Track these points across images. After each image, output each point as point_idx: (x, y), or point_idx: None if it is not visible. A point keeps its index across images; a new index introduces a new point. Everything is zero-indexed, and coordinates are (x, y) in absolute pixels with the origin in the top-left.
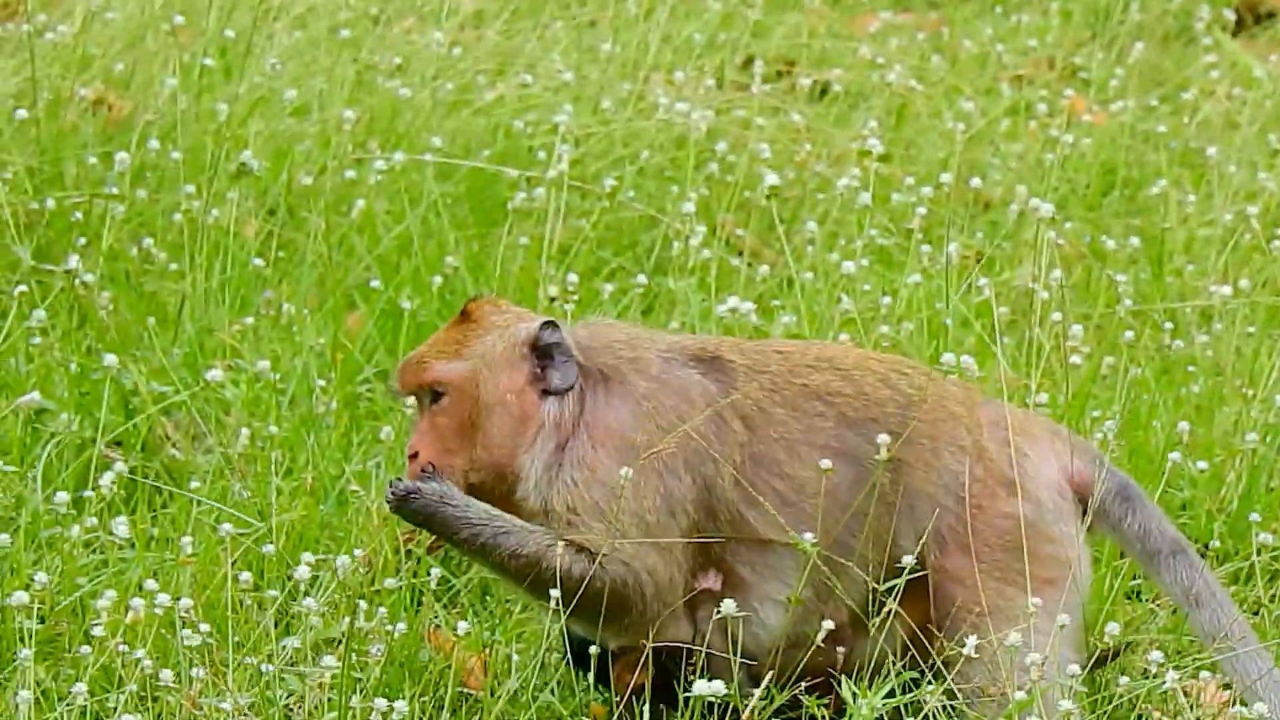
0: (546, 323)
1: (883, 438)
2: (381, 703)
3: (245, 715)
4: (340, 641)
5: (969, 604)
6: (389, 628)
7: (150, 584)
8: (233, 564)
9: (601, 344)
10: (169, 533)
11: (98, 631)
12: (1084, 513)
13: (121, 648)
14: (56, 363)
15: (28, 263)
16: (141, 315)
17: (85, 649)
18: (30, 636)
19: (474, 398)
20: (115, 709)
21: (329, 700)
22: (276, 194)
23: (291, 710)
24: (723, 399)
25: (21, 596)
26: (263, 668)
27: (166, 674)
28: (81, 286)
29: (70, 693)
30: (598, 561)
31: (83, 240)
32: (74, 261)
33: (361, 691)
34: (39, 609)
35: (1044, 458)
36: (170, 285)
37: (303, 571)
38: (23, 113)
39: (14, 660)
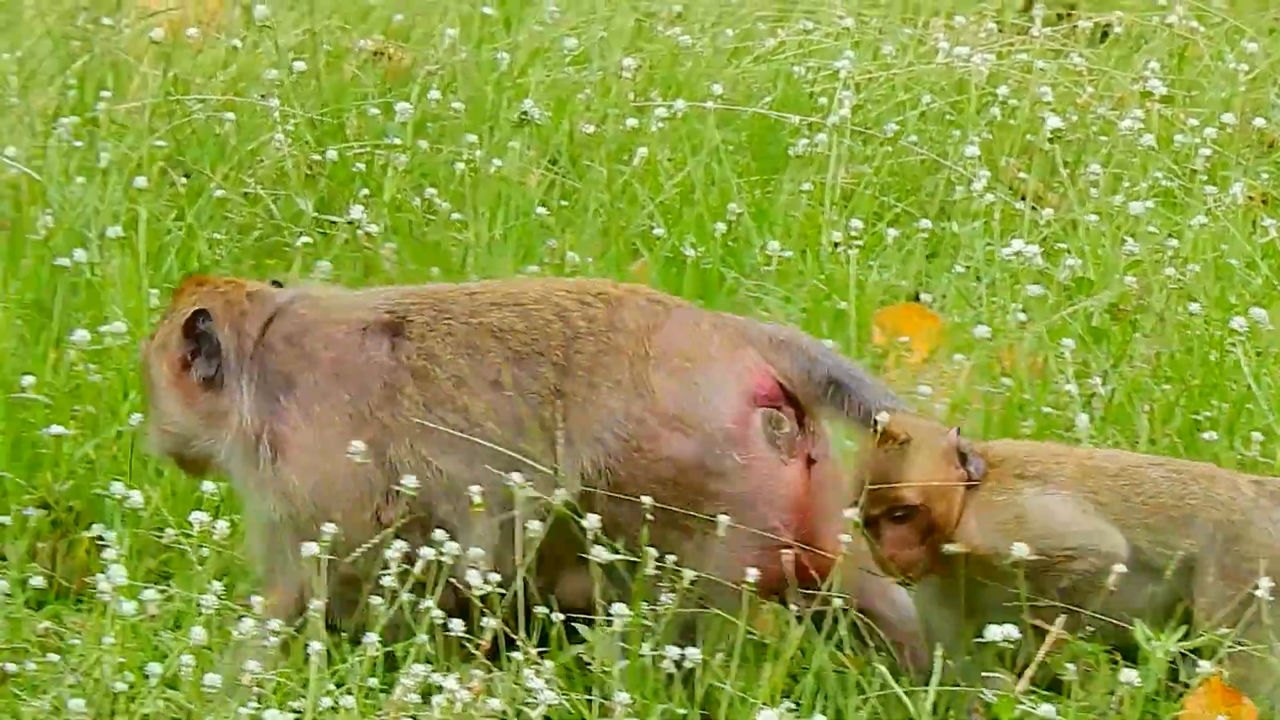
0: (197, 311)
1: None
2: (674, 651)
3: (536, 664)
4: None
5: (636, 552)
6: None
7: None
8: None
9: (283, 333)
10: None
11: None
12: (799, 418)
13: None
14: None
15: (311, 214)
16: (425, 265)
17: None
18: None
19: (148, 378)
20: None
21: (621, 649)
22: (558, 143)
23: (582, 658)
24: (396, 366)
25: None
26: (552, 617)
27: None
28: (365, 237)
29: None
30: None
31: (365, 191)
32: (357, 212)
33: (653, 640)
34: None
35: (720, 382)
36: (453, 235)
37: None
38: (302, 65)
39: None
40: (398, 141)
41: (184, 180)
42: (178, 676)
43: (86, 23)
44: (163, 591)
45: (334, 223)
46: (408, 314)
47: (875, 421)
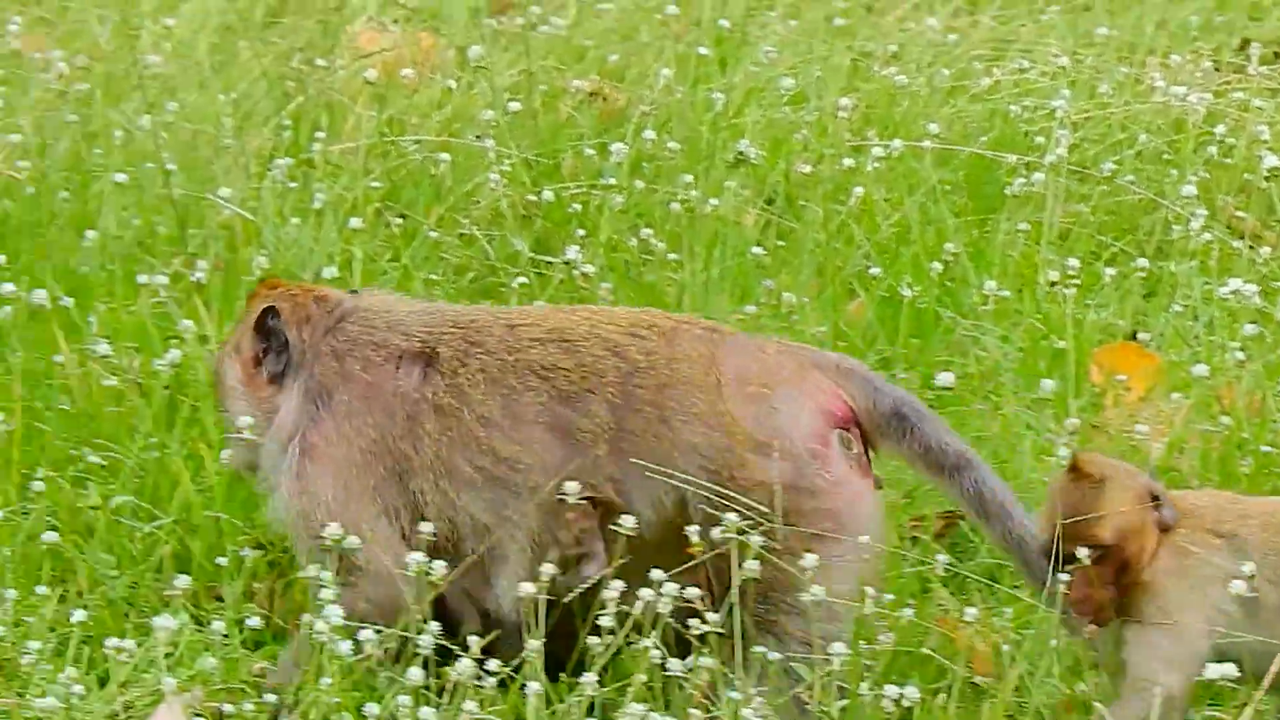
0: (267, 309)
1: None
2: (892, 690)
3: (751, 703)
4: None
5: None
6: (896, 614)
7: None
8: None
9: (331, 345)
10: None
11: None
12: (863, 440)
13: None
14: None
15: (527, 254)
16: (641, 305)
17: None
18: None
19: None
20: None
21: (839, 688)
22: (774, 183)
23: (801, 697)
24: (420, 400)
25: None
26: (769, 655)
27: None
28: (581, 277)
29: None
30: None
31: (581, 231)
32: (573, 253)
33: (871, 679)
34: None
35: (797, 404)
36: (669, 275)
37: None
38: (517, 105)
39: None
40: (613, 181)
41: (399, 221)
42: (395, 716)
43: (301, 64)
44: (379, 631)
45: (550, 263)
46: (439, 345)
47: (937, 453)
